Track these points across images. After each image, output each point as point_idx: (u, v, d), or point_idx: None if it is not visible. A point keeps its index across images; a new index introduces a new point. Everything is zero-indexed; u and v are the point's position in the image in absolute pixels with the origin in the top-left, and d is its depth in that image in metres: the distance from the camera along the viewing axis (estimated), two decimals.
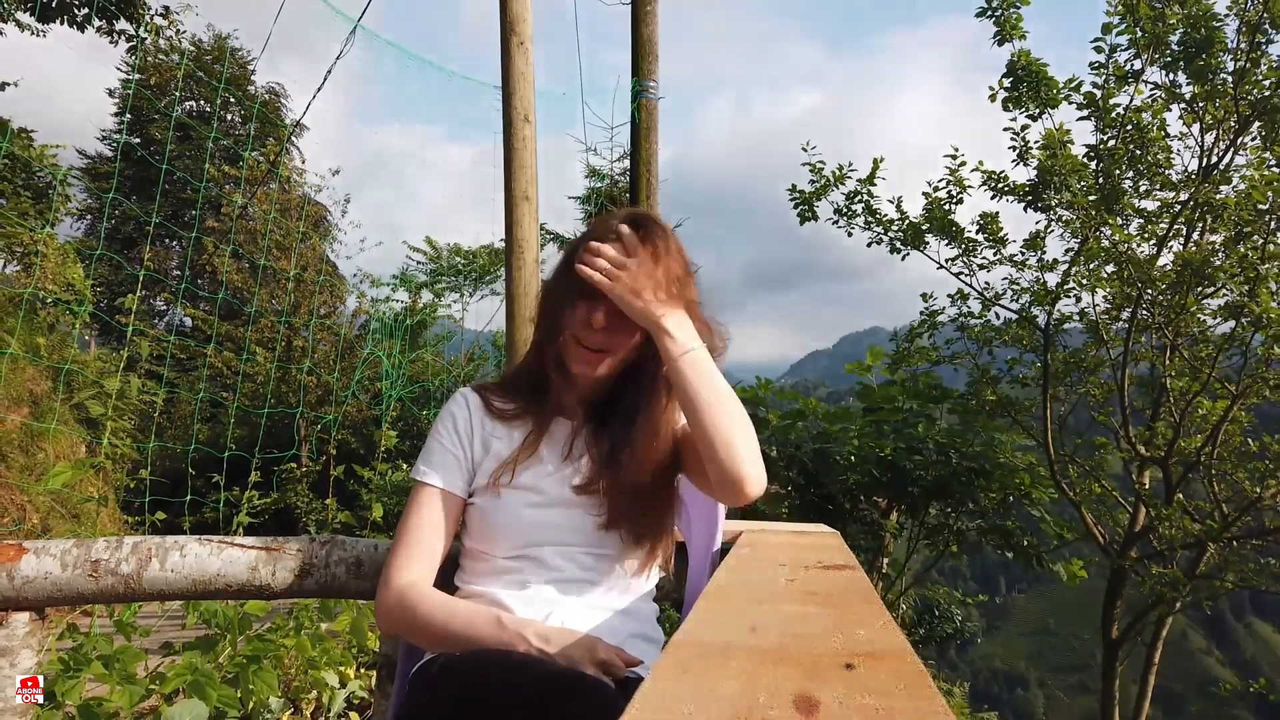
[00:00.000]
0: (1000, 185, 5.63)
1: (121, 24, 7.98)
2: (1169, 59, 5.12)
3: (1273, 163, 5.23)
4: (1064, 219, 5.53)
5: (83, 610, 2.96)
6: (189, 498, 3.53)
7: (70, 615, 2.82)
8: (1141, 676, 6.44)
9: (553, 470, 1.16)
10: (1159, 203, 5.68)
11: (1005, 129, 5.40)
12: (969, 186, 5.66)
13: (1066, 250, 5.63)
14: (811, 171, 5.77)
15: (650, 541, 1.16)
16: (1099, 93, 5.20)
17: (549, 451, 1.17)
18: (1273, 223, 4.86)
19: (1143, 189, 5.65)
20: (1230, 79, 5.03)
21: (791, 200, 5.90)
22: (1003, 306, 6.01)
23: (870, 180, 5.74)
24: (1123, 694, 6.30)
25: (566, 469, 1.16)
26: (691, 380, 1.04)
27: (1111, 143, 5.25)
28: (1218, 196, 5.17)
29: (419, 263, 15.77)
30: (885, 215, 5.86)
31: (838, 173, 5.73)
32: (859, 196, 5.80)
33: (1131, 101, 5.19)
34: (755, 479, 1.03)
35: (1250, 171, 5.24)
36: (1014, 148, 5.45)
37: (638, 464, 1.13)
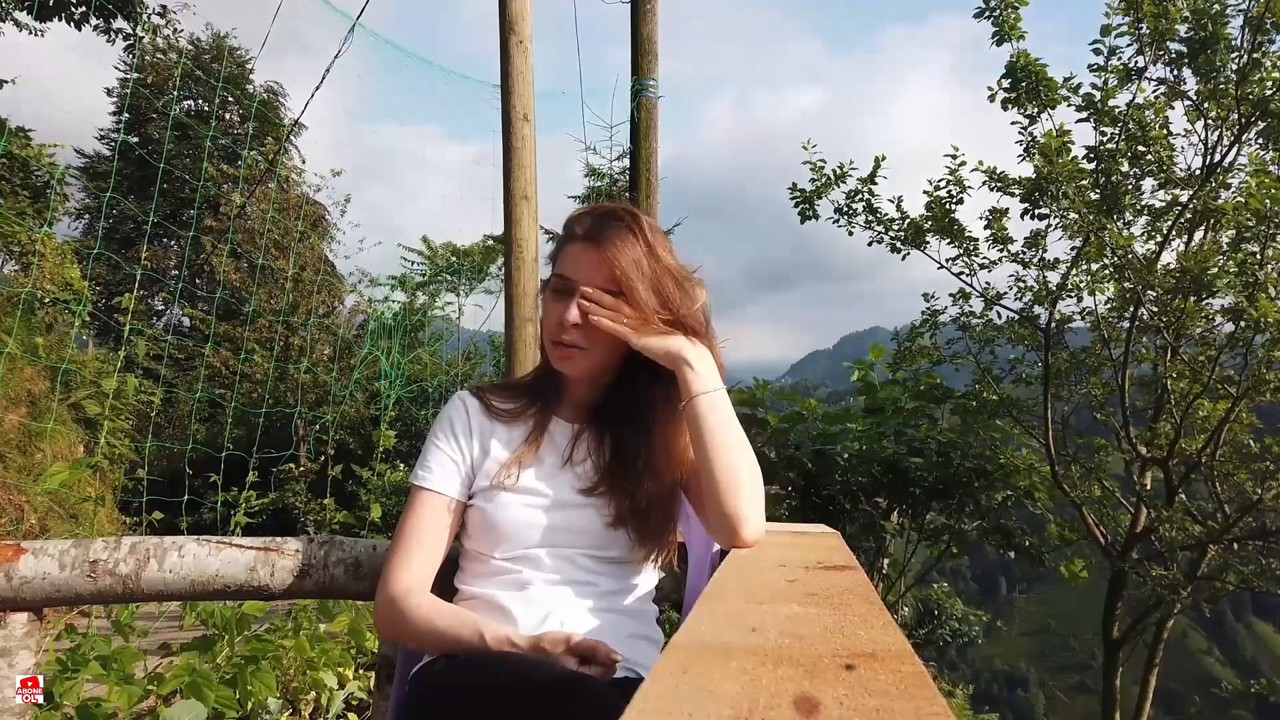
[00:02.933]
0: (1001, 184, 5.61)
1: (119, 22, 7.99)
2: (1172, 56, 5.11)
3: (1272, 166, 5.21)
4: (1063, 222, 5.52)
5: (80, 611, 2.96)
6: (187, 498, 3.54)
7: (68, 616, 2.82)
8: (1142, 677, 6.42)
9: (553, 472, 1.15)
10: (1164, 200, 5.66)
11: (1013, 123, 5.37)
12: (969, 187, 5.64)
13: (1071, 249, 5.61)
14: (812, 170, 5.76)
15: (654, 541, 1.15)
16: (1098, 95, 5.19)
17: (549, 453, 1.17)
18: (1272, 228, 4.85)
19: (1146, 187, 5.63)
20: (1234, 75, 5.02)
21: (792, 199, 5.89)
22: (1003, 306, 6.00)
23: (871, 179, 5.72)
24: (1123, 694, 6.29)
25: (568, 472, 1.16)
26: (708, 420, 1.05)
27: (1112, 144, 5.23)
28: (1219, 200, 5.16)
29: (414, 263, 15.79)
30: (886, 214, 5.85)
31: (838, 171, 5.72)
32: (859, 195, 5.79)
33: (1134, 99, 5.18)
34: (754, 525, 1.04)
35: (1247, 177, 5.22)
36: (1021, 142, 5.42)
37: (653, 462, 1.13)
